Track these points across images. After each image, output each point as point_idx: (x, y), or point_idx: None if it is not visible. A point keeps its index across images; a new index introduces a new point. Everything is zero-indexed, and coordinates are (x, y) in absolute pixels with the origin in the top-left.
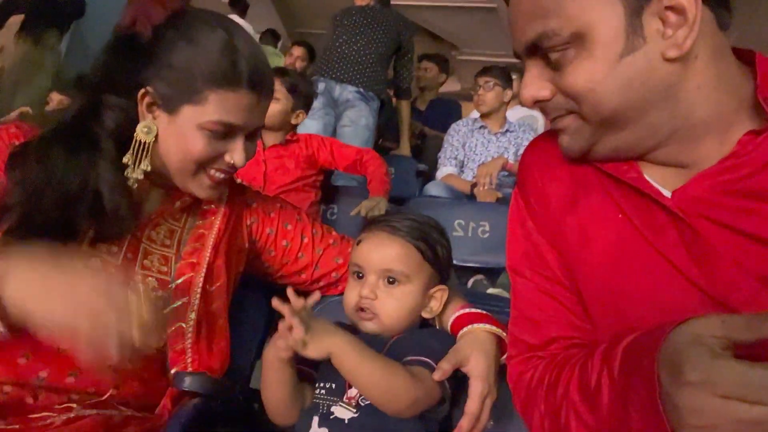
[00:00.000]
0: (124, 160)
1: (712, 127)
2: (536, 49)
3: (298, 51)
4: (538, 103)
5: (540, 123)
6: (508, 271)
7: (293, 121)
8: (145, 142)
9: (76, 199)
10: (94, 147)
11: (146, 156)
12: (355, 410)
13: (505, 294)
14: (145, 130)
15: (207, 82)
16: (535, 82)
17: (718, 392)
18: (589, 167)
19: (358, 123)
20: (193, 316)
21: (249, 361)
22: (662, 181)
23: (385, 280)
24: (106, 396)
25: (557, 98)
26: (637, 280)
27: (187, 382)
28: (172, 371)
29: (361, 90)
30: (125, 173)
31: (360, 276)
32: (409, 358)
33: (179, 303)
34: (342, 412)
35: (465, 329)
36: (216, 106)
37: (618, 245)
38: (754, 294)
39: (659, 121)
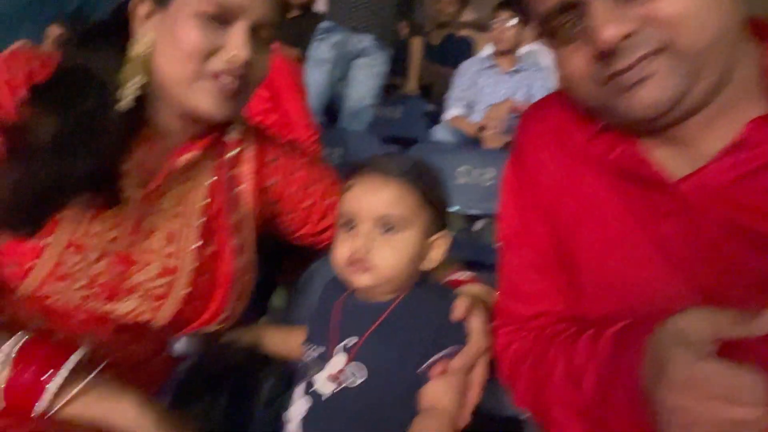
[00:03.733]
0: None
1: (728, 102)
2: None
3: None
4: (623, 41)
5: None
6: (499, 242)
7: None
8: (138, 57)
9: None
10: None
11: (140, 71)
12: (334, 387)
13: None
14: (140, 42)
15: None
16: (616, 16)
17: (702, 394)
18: (585, 144)
19: (371, 69)
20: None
21: (254, 319)
22: (665, 162)
23: (382, 228)
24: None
25: (646, 32)
26: (630, 266)
27: (178, 346)
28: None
29: (377, 38)
30: (117, 95)
31: (351, 227)
32: (436, 357)
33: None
34: (323, 385)
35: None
36: None
37: (613, 229)
38: (747, 294)
39: (729, 66)
